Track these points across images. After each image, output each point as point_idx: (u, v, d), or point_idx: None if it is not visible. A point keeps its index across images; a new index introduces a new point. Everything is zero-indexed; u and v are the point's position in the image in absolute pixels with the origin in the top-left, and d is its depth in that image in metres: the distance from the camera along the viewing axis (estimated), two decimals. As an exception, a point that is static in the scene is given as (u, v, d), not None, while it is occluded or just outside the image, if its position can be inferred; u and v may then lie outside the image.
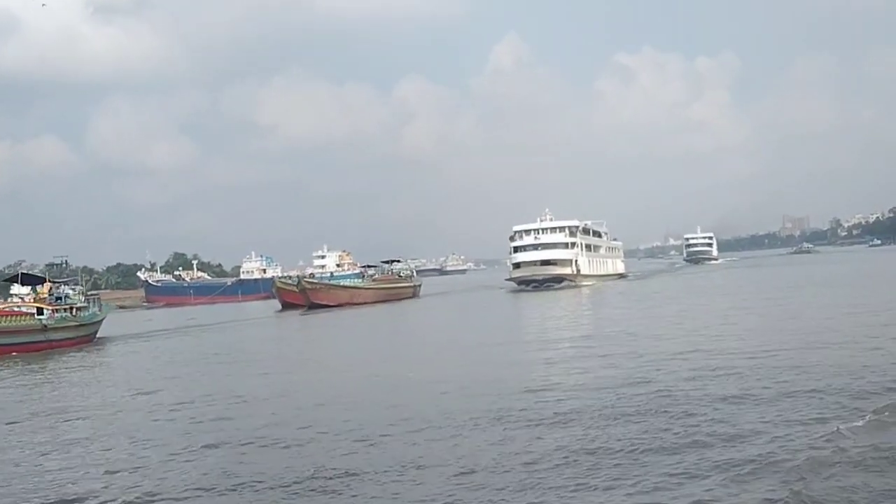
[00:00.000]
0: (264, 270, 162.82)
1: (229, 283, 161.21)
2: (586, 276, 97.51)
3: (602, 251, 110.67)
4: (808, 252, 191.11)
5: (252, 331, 64.95)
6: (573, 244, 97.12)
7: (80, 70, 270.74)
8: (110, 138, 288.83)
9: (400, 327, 60.24)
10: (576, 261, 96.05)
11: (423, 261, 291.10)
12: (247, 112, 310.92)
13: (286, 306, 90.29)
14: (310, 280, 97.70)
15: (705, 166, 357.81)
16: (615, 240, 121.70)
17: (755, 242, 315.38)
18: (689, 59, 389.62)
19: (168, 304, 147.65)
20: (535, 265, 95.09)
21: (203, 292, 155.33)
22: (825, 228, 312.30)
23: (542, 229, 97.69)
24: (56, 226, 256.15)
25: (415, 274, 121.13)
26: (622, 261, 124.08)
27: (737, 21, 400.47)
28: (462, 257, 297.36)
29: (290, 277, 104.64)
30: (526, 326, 51.13)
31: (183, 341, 55.06)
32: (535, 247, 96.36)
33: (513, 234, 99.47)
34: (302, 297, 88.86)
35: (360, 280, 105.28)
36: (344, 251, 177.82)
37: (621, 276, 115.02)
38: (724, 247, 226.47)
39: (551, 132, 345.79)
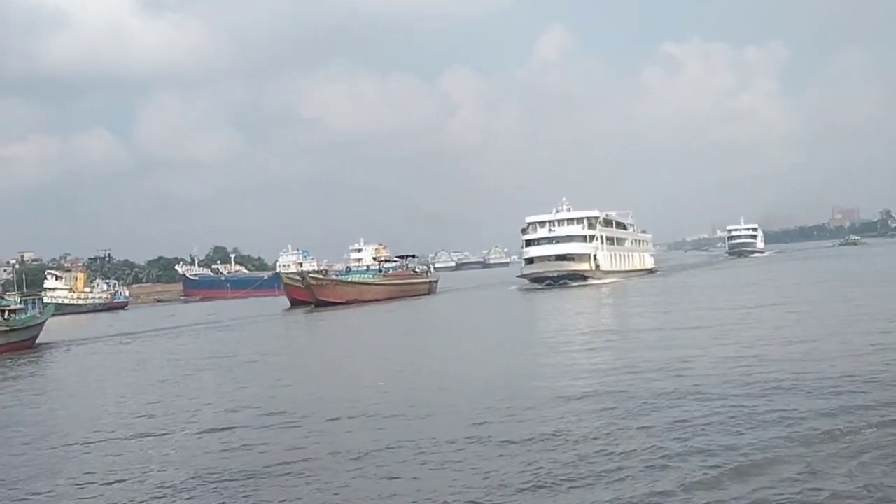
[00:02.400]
0: (301, 264, 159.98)
1: (266, 277, 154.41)
2: (607, 272, 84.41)
3: (627, 244, 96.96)
4: (855, 244, 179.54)
5: (243, 332, 56.02)
6: (592, 237, 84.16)
7: (128, 64, 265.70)
8: (157, 132, 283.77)
9: (400, 331, 51.16)
10: (595, 255, 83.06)
11: (467, 253, 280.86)
12: (291, 104, 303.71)
13: (294, 303, 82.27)
14: (315, 276, 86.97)
15: (753, 157, 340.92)
16: (643, 231, 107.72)
17: (803, 234, 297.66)
18: (738, 49, 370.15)
19: (205, 298, 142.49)
20: (548, 260, 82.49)
21: (240, 286, 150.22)
22: (875, 220, 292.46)
23: (558, 220, 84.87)
24: (102, 219, 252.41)
25: (432, 269, 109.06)
26: (651, 255, 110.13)
27: (786, 9, 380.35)
28: (506, 250, 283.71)
29: (297, 273, 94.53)
30: (526, 331, 42.60)
31: (146, 345, 48.57)
32: (549, 240, 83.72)
33: (525, 225, 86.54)
34: (308, 294, 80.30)
35: (372, 276, 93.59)
36: (380, 244, 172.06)
37: (649, 271, 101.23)
38: (772, 238, 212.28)
39: (596, 123, 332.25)
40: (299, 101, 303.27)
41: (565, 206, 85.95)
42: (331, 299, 79.42)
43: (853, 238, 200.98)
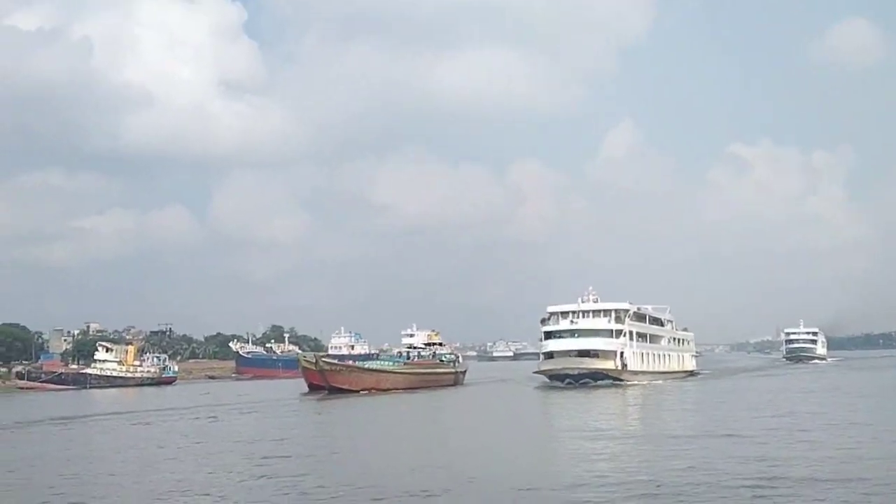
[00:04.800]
0: (352, 346, 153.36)
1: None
2: (636, 373, 72.40)
3: (663, 342, 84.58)
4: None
5: (232, 421, 50.03)
6: (619, 332, 72.77)
7: (208, 144, 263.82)
8: (230, 211, 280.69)
9: (397, 432, 43.30)
10: (621, 353, 71.07)
11: (525, 343, 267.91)
12: (361, 189, 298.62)
13: (312, 388, 74.49)
14: (328, 361, 77.58)
15: (821, 261, 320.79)
16: (685, 329, 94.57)
17: (869, 342, 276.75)
18: (806, 153, 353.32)
19: (256, 377, 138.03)
20: (569, 356, 71.19)
21: (291, 366, 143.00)
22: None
23: (582, 312, 73.64)
24: (170, 293, 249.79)
25: (460, 359, 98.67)
26: (693, 355, 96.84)
27: (856, 115, 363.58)
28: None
29: (311, 356, 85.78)
30: (528, 443, 35.13)
31: (104, 431, 45.23)
32: (571, 333, 72.55)
33: (546, 316, 75.16)
34: (322, 379, 73.34)
35: (392, 363, 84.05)
36: (433, 330, 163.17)
37: (689, 373, 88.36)
38: (836, 345, 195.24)
39: (661, 220, 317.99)
40: (370, 187, 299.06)
41: (591, 297, 74.74)
42: (345, 386, 71.80)
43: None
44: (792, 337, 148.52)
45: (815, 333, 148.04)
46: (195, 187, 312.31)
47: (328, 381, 72.57)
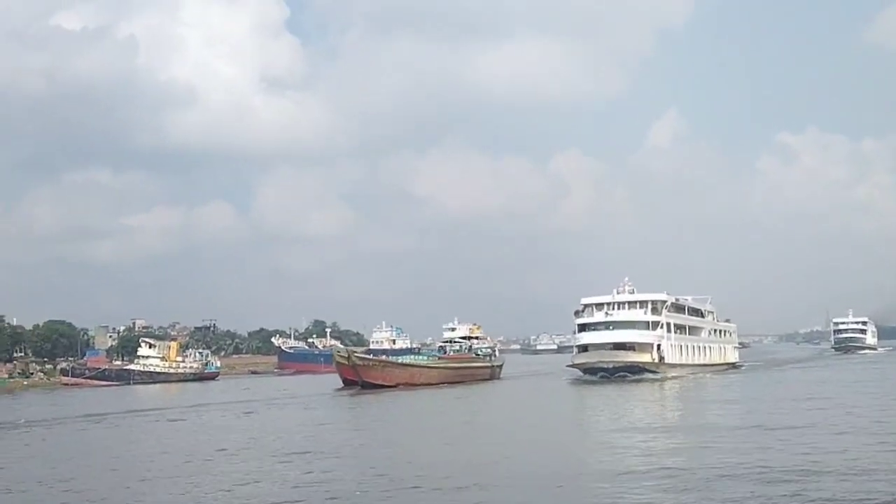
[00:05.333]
0: (393, 341, 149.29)
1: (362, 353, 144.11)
2: (674, 366, 69.03)
3: (703, 334, 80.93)
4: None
5: (263, 416, 49.11)
6: (656, 323, 69.31)
7: (250, 140, 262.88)
8: (273, 206, 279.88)
9: (426, 427, 41.51)
10: (658, 345, 67.74)
11: (568, 336, 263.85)
12: (403, 182, 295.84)
13: (347, 383, 72.60)
14: (361, 356, 75.55)
15: (868, 250, 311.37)
16: (727, 321, 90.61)
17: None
18: (855, 140, 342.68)
19: (298, 371, 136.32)
20: (604, 349, 67.92)
21: (332, 360, 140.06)
22: None
23: (617, 303, 70.44)
24: (214, 289, 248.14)
25: (496, 353, 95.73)
26: (735, 347, 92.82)
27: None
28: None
29: (344, 351, 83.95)
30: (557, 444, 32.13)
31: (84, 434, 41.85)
32: (605, 325, 69.47)
33: (580, 308, 72.07)
34: (356, 374, 71.44)
35: (425, 357, 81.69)
36: (474, 324, 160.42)
37: (731, 366, 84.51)
38: (887, 334, 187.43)
39: (708, 210, 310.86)
40: (412, 180, 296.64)
41: (627, 288, 71.51)
42: (378, 381, 69.90)
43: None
44: (841, 327, 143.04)
45: (864, 323, 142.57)
46: (238, 183, 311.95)
47: (361, 376, 70.70)
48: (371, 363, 74.68)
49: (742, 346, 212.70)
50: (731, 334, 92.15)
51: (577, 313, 72.58)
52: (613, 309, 70.44)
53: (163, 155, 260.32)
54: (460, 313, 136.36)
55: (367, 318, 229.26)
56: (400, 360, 79.24)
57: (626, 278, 72.38)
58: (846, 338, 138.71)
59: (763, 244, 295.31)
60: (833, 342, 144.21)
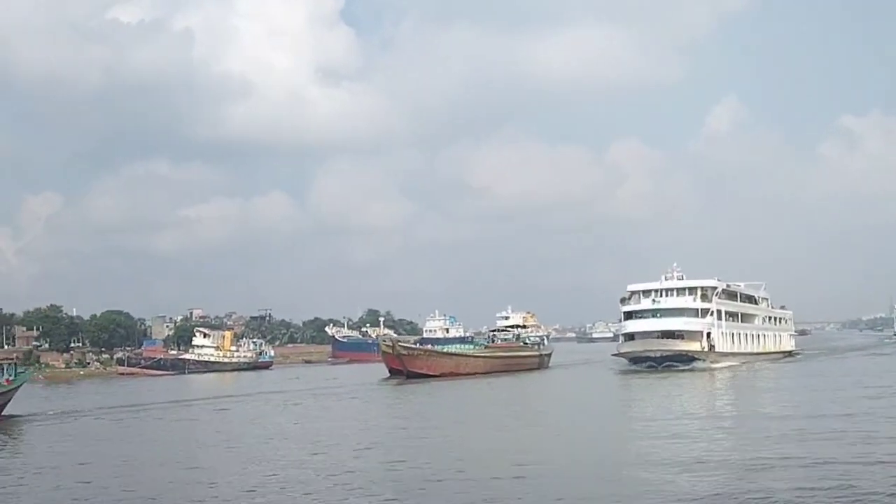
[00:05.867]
0: (447, 330, 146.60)
1: (412, 342, 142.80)
2: (724, 355, 65.42)
3: (757, 322, 77.06)
4: None
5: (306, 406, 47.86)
6: (706, 311, 65.71)
7: (306, 131, 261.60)
8: (330, 197, 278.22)
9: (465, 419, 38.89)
10: (708, 333, 64.21)
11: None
12: (460, 172, 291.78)
13: (393, 373, 70.58)
14: (406, 345, 73.48)
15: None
16: (782, 307, 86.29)
17: None
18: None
19: (352, 360, 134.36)
20: (651, 337, 64.68)
21: None
22: None
23: (665, 290, 66.99)
24: (271, 279, 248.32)
25: (545, 342, 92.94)
26: (791, 335, 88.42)
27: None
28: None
29: (389, 340, 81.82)
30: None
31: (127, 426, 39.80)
32: (653, 313, 66.24)
33: (627, 294, 68.78)
34: (401, 364, 69.48)
35: (472, 347, 79.05)
36: (528, 312, 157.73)
37: (787, 354, 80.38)
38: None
39: (768, 197, 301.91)
40: (468, 169, 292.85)
41: (675, 274, 67.99)
42: (423, 371, 68.09)
43: None
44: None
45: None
46: (296, 174, 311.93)
47: (406, 365, 68.91)
48: (416, 352, 72.61)
49: (803, 333, 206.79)
50: (786, 321, 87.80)
51: (623, 300, 69.39)
52: (661, 296, 67.16)
53: (221, 147, 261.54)
54: (516, 302, 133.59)
55: (422, 308, 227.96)
56: (446, 350, 76.95)
57: (675, 264, 69.22)
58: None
59: (825, 231, 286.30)
60: (895, 329, 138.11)
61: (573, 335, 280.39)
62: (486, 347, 79.94)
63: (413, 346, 77.55)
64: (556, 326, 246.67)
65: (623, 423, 33.17)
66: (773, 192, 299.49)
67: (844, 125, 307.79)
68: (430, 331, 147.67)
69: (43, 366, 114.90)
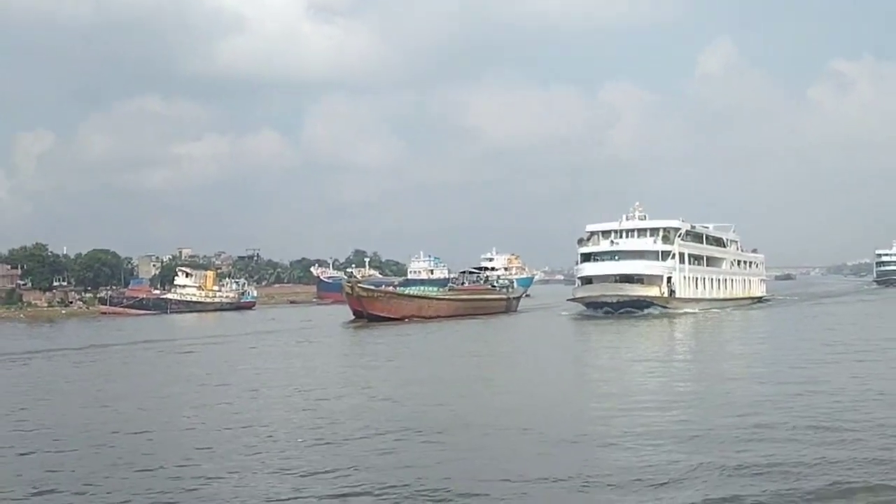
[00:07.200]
0: (431, 271, 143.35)
1: (396, 283, 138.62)
2: (687, 301, 60.92)
3: (724, 266, 72.20)
4: None
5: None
6: (667, 253, 60.85)
7: (299, 68, 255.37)
8: (321, 135, 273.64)
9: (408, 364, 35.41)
10: (668, 278, 59.59)
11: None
12: (452, 113, 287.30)
13: (357, 315, 65.90)
14: (365, 287, 68.89)
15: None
16: (754, 251, 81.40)
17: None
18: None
19: (336, 301, 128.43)
20: (608, 281, 59.98)
21: None
22: None
23: (625, 231, 62.12)
24: (261, 218, 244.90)
25: (514, 284, 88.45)
26: (762, 279, 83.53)
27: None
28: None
29: (349, 281, 77.26)
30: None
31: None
32: (611, 255, 61.34)
33: (586, 235, 63.95)
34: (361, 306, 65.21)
35: (436, 289, 74.58)
36: (513, 254, 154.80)
37: (757, 300, 75.83)
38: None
39: (760, 140, 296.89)
40: (460, 110, 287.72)
41: (637, 214, 63.05)
42: (383, 314, 63.81)
43: None
44: (883, 259, 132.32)
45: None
46: (287, 112, 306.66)
47: (366, 308, 64.65)
48: (376, 294, 68.20)
49: (787, 277, 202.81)
50: (757, 265, 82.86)
51: (580, 241, 64.58)
52: (620, 237, 62.44)
53: (212, 83, 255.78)
54: (506, 244, 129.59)
55: (412, 249, 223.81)
56: (407, 292, 72.57)
57: (637, 203, 64.00)
58: (888, 270, 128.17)
59: (814, 175, 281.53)
60: (875, 275, 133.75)
61: (562, 278, 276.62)
62: (450, 290, 75.49)
63: (372, 287, 73.15)
64: (546, 268, 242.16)
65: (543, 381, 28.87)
66: (765, 137, 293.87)
67: (836, 68, 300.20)
68: (415, 272, 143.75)
69: (25, 304, 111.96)
